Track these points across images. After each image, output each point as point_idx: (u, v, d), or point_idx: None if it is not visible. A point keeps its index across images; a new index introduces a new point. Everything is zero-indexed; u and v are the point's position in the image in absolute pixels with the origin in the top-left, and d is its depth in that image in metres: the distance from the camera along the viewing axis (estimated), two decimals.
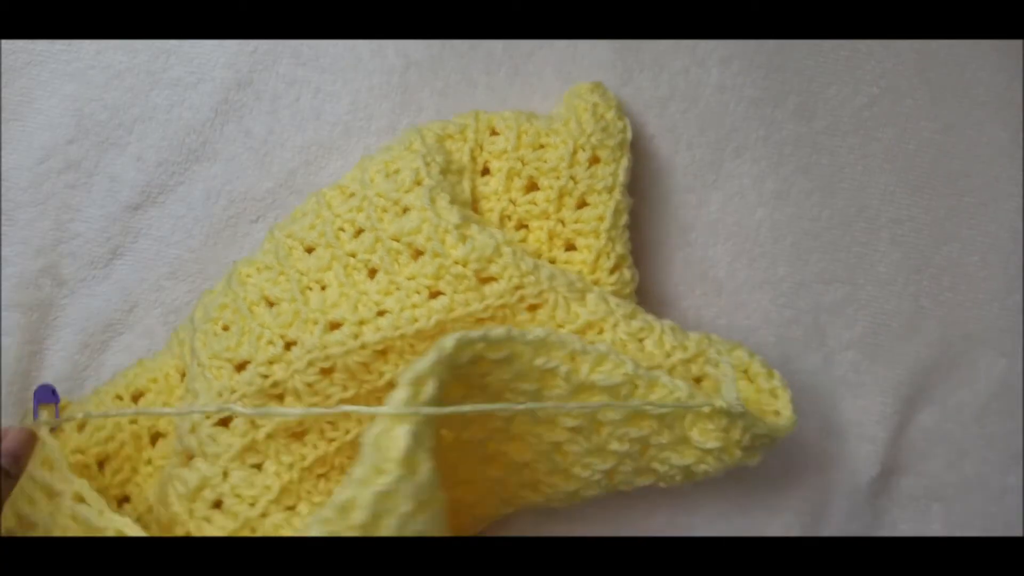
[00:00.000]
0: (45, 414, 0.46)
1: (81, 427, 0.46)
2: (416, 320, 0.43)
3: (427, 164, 0.45)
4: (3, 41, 0.49)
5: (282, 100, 0.50)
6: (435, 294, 0.43)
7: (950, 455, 0.53)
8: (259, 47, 0.50)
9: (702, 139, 0.52)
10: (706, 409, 0.39)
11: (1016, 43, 0.53)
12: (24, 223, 0.50)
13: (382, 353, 0.43)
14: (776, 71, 0.52)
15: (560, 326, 0.43)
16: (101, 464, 0.46)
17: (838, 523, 0.52)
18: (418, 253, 0.44)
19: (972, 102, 0.53)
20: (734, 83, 0.52)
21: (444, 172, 0.45)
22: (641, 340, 0.43)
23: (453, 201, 0.44)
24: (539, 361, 0.39)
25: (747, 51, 0.52)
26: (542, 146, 0.47)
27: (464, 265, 0.43)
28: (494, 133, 0.47)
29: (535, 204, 0.46)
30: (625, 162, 0.47)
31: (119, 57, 0.50)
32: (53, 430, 0.44)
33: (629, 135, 0.47)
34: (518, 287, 0.43)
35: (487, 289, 0.43)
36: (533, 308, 0.44)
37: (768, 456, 0.52)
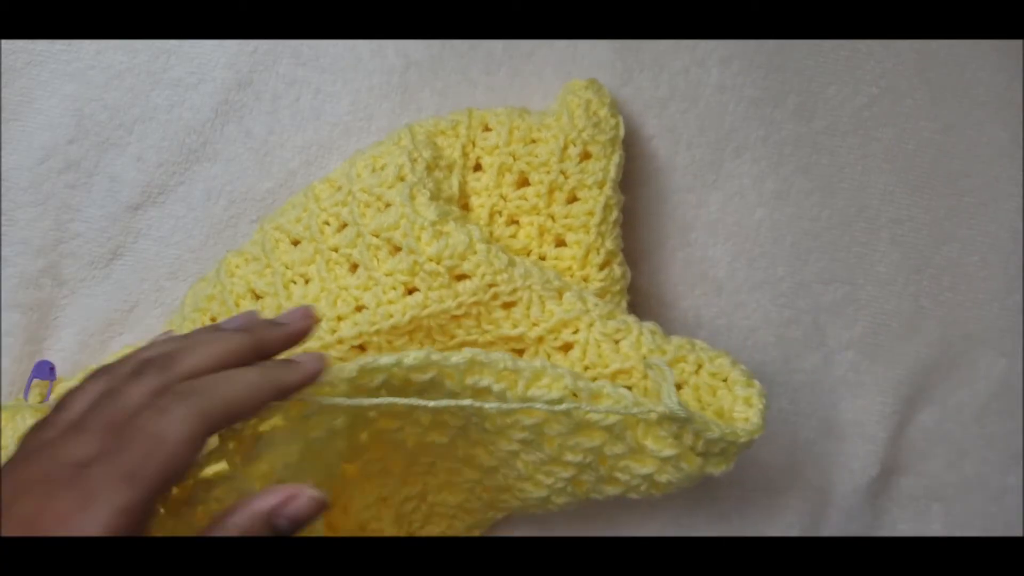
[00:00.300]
0: (36, 392, 0.46)
1: None
2: (391, 316, 0.43)
3: (412, 160, 0.45)
4: (3, 41, 0.49)
5: (282, 100, 0.50)
6: (411, 290, 0.44)
7: (950, 455, 0.53)
8: (259, 47, 0.50)
9: (702, 139, 0.52)
10: (653, 416, 0.38)
11: (1016, 43, 0.53)
12: (24, 223, 0.50)
13: (359, 348, 0.43)
14: (776, 71, 0.52)
15: (535, 324, 0.43)
16: None
17: (838, 523, 0.52)
18: (396, 249, 0.44)
19: (972, 102, 0.53)
20: (734, 83, 0.52)
21: (431, 168, 0.45)
22: (617, 341, 0.43)
23: (436, 197, 0.44)
24: (470, 381, 0.38)
25: (747, 51, 0.52)
26: (533, 141, 0.46)
27: (437, 262, 0.43)
28: (487, 129, 0.47)
29: (526, 199, 0.46)
30: (617, 158, 0.47)
31: (119, 57, 0.50)
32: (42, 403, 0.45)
33: (622, 132, 0.47)
34: (491, 284, 0.43)
35: (460, 287, 0.43)
36: (508, 306, 0.44)
37: (768, 457, 0.52)
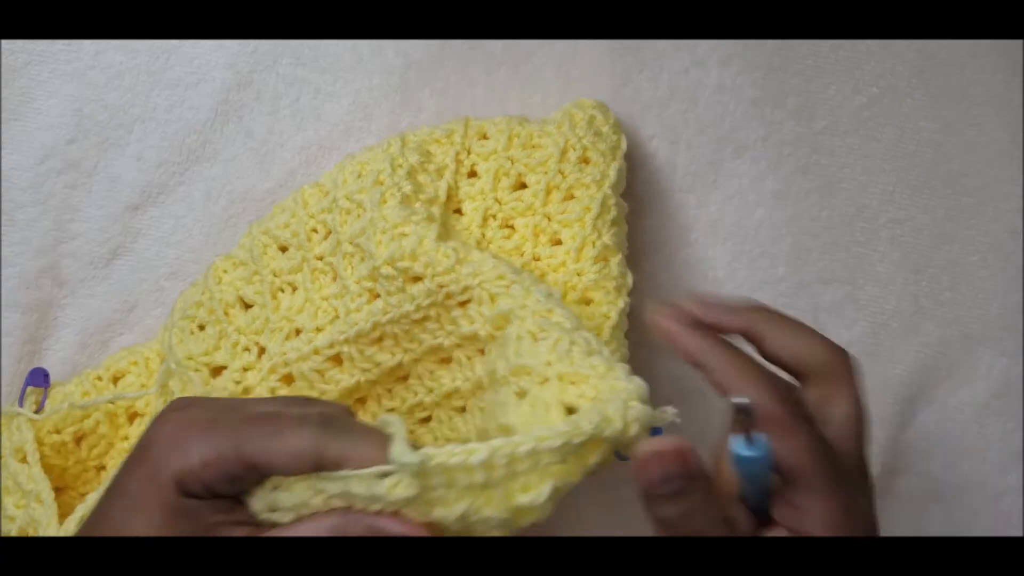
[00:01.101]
0: (32, 400, 0.46)
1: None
2: (356, 324, 0.42)
3: (393, 166, 0.44)
4: (3, 41, 0.49)
5: (282, 100, 0.50)
6: (375, 296, 0.43)
7: (950, 455, 0.53)
8: (259, 47, 0.50)
9: (702, 139, 0.52)
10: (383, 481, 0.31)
11: (1016, 43, 0.53)
12: (24, 223, 0.50)
13: (335, 359, 0.43)
14: (776, 71, 0.52)
15: (486, 322, 0.41)
16: (78, 441, 0.47)
17: None
18: (365, 255, 0.43)
19: (972, 102, 0.53)
20: (734, 83, 0.52)
21: (414, 172, 0.45)
22: (537, 340, 0.38)
23: (413, 199, 0.43)
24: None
25: (747, 51, 0.52)
26: (533, 146, 0.46)
27: (391, 265, 0.41)
28: (484, 138, 0.47)
29: (521, 200, 0.45)
30: (617, 164, 0.46)
31: (119, 57, 0.50)
32: (38, 411, 0.46)
33: (624, 146, 0.47)
34: (441, 285, 0.41)
35: (414, 289, 0.41)
36: (463, 304, 0.42)
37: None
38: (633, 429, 0.33)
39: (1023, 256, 0.53)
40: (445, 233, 0.43)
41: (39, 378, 0.47)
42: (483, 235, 0.45)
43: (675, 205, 0.52)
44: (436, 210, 0.44)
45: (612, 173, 0.46)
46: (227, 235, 0.50)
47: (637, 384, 0.34)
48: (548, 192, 0.45)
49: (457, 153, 0.46)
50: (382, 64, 0.50)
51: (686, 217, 0.52)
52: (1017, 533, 0.53)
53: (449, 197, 0.46)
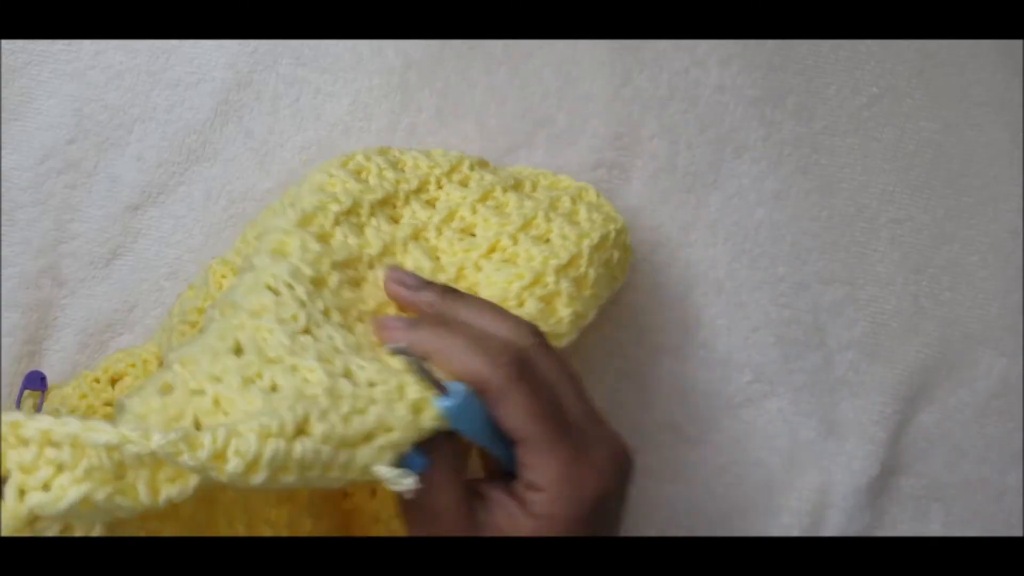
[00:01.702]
0: (29, 403, 0.46)
1: (56, 413, 0.46)
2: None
3: (332, 172, 0.42)
4: (3, 41, 0.49)
5: (282, 100, 0.50)
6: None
7: (950, 455, 0.53)
8: (259, 47, 0.50)
9: (702, 139, 0.52)
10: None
11: (1016, 43, 0.53)
12: (24, 223, 0.50)
13: None
14: (776, 71, 0.52)
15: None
16: None
17: (838, 523, 0.52)
18: None
19: (972, 102, 0.53)
20: (734, 83, 0.52)
21: (363, 172, 0.43)
22: (231, 353, 0.34)
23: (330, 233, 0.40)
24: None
25: (747, 51, 0.52)
26: (501, 210, 0.44)
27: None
28: (464, 186, 0.44)
29: (461, 243, 0.42)
30: (595, 274, 0.43)
31: (119, 57, 0.50)
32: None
33: (624, 272, 0.46)
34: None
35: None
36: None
37: (768, 457, 0.52)
38: (232, 465, 0.28)
39: (1023, 256, 0.53)
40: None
41: (36, 381, 0.47)
42: (405, 247, 0.41)
43: (675, 205, 0.52)
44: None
45: (591, 271, 0.42)
46: (227, 235, 0.50)
47: (279, 421, 0.30)
48: (491, 249, 0.42)
49: (425, 180, 0.44)
50: (382, 64, 0.50)
51: (686, 217, 0.52)
52: (1017, 533, 0.53)
53: (393, 206, 0.43)
